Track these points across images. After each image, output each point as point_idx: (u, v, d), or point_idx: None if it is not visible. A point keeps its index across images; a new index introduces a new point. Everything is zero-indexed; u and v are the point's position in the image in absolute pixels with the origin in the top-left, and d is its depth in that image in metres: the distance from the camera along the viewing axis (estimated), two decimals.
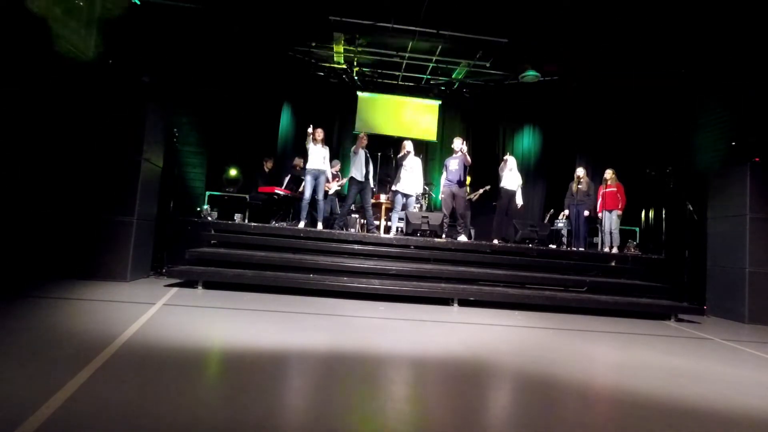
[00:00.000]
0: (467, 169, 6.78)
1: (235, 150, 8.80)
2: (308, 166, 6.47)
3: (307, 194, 6.43)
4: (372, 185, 6.96)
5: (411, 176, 6.79)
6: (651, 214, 8.36)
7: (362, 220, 7.82)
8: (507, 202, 7.10)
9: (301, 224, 6.42)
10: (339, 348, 2.89)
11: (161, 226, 5.75)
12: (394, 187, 6.91)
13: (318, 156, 6.49)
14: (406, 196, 6.79)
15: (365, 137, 6.82)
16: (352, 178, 6.71)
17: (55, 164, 4.93)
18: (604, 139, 9.19)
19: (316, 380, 2.32)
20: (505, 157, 7.28)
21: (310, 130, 6.44)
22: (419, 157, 7.26)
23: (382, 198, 8.22)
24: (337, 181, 8.05)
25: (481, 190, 8.72)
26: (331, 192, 7.88)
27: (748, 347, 4.01)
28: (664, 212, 7.57)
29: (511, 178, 7.13)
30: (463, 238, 6.54)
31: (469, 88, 10.43)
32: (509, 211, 7.14)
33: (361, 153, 6.62)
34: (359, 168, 6.62)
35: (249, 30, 7.93)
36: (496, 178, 7.35)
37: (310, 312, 3.98)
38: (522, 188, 7.28)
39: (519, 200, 7.12)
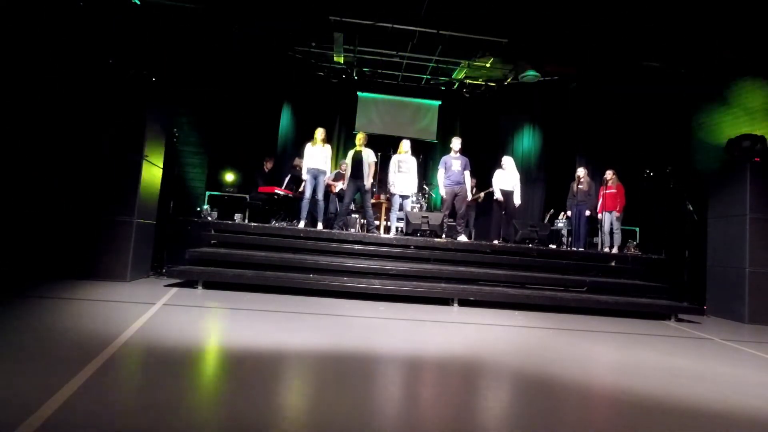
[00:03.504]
0: (469, 169, 6.78)
1: (235, 150, 8.80)
2: (308, 165, 6.47)
3: (308, 194, 6.43)
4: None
5: (406, 177, 6.78)
6: (651, 214, 8.35)
7: (362, 220, 7.82)
8: (504, 201, 7.09)
9: (301, 224, 6.42)
10: (339, 348, 2.89)
11: (161, 226, 5.75)
12: (390, 189, 6.90)
13: (318, 156, 6.48)
14: (402, 197, 6.79)
15: (360, 137, 6.83)
16: (350, 178, 6.71)
17: (56, 164, 4.93)
18: (604, 140, 9.19)
19: (316, 380, 2.32)
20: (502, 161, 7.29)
21: (319, 135, 6.51)
22: (419, 157, 7.25)
23: (382, 198, 8.22)
24: (344, 182, 8.05)
25: (482, 194, 8.74)
26: (336, 191, 7.88)
27: (748, 347, 4.01)
28: (664, 212, 7.57)
29: (506, 178, 7.12)
30: (463, 238, 6.54)
31: (469, 88, 10.44)
32: (507, 210, 7.13)
33: (353, 153, 6.63)
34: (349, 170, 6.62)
35: (249, 30, 7.94)
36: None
37: (310, 312, 3.98)
38: (522, 187, 7.23)
39: (517, 199, 7.08)
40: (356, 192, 6.72)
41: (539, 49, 8.08)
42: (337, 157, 9.87)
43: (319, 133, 6.55)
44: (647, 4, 6.25)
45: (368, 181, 6.52)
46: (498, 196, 7.13)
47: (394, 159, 6.86)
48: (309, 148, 6.54)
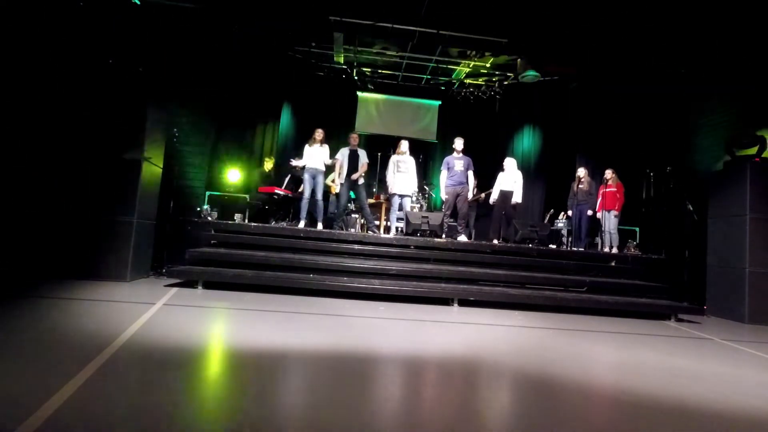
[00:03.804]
0: (473, 168, 6.81)
1: (235, 150, 8.81)
2: (306, 165, 6.48)
3: (307, 194, 6.45)
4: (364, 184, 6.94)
5: (405, 177, 6.78)
6: (651, 214, 8.35)
7: (362, 220, 7.82)
8: (502, 201, 7.11)
9: (301, 224, 6.42)
10: (339, 348, 2.89)
11: (161, 226, 5.75)
12: (390, 189, 6.87)
13: (317, 156, 6.50)
14: (401, 196, 6.79)
15: (356, 137, 6.85)
16: (346, 177, 6.67)
17: (56, 164, 4.92)
18: (604, 139, 9.19)
19: (316, 380, 2.32)
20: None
21: (318, 135, 6.57)
22: (418, 157, 7.25)
23: (382, 198, 8.21)
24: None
25: (482, 194, 8.74)
26: (336, 191, 7.87)
27: (748, 347, 4.01)
28: (664, 212, 7.57)
29: (506, 179, 7.14)
30: (463, 238, 6.54)
31: (469, 88, 10.44)
32: (506, 210, 7.14)
33: (346, 153, 6.63)
34: (344, 170, 6.63)
35: (249, 30, 7.93)
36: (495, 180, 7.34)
37: (310, 312, 3.98)
38: (522, 186, 7.23)
39: (516, 198, 7.05)
40: (349, 190, 6.74)
41: (539, 49, 8.08)
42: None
43: (318, 133, 6.59)
44: (647, 4, 6.25)
45: (361, 178, 6.65)
46: (493, 198, 7.17)
47: (393, 159, 6.86)
48: (307, 148, 6.58)
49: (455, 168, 6.69)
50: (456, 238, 6.45)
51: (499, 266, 5.79)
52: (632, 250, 7.20)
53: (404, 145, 6.89)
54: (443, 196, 6.86)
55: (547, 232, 7.24)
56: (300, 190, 7.17)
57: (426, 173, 10.36)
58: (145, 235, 5.34)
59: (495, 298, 5.08)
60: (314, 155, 6.50)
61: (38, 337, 2.59)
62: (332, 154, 6.71)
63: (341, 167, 6.63)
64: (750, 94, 6.58)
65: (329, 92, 10.33)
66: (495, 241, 6.92)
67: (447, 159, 6.84)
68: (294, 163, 7.08)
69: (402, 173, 6.76)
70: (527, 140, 10.65)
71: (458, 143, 6.78)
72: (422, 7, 6.94)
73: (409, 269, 5.38)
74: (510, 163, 7.25)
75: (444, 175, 6.79)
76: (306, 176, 6.46)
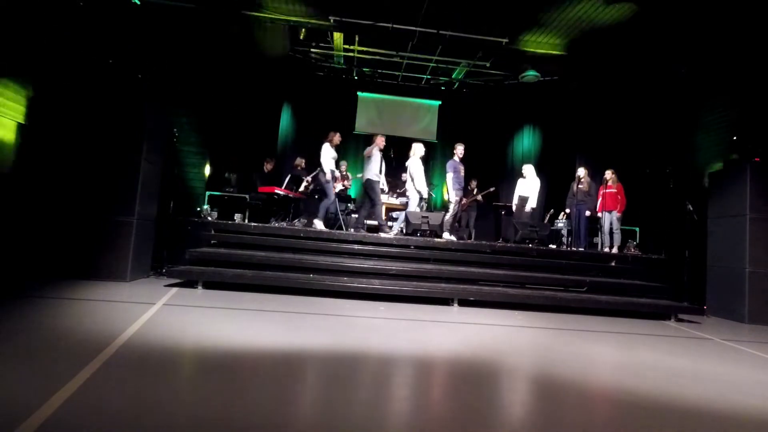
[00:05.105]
0: None
1: (235, 150, 8.80)
2: (332, 167, 6.45)
3: (332, 196, 6.49)
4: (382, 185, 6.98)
5: (423, 179, 6.81)
6: (651, 214, 8.34)
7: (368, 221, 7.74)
8: (521, 206, 7.51)
9: (321, 225, 6.33)
10: (339, 348, 2.89)
11: (161, 226, 5.75)
12: (425, 192, 6.79)
13: (333, 158, 6.53)
14: (423, 198, 6.83)
15: (383, 138, 6.74)
16: (368, 180, 6.47)
17: (55, 164, 4.92)
18: (604, 139, 9.18)
19: (317, 381, 2.32)
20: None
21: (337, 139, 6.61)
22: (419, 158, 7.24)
23: (384, 198, 8.20)
24: (343, 183, 8.04)
25: (479, 196, 8.75)
26: (336, 191, 7.86)
27: (748, 347, 4.01)
28: (664, 212, 7.57)
29: (524, 184, 7.51)
30: (449, 236, 6.56)
31: (469, 88, 10.44)
32: (517, 213, 7.50)
33: (378, 154, 6.60)
34: (375, 169, 6.54)
35: (249, 30, 7.93)
36: (497, 179, 7.45)
37: (310, 312, 3.98)
38: (537, 192, 7.54)
39: (532, 203, 7.40)
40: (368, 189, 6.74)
41: (539, 49, 8.07)
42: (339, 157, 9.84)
43: (338, 137, 6.61)
44: (647, 3, 6.24)
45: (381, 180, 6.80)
46: (515, 203, 7.56)
47: (420, 163, 6.77)
48: (330, 149, 6.45)
49: (461, 173, 6.86)
50: (449, 235, 6.47)
51: (499, 266, 5.80)
52: (632, 250, 7.20)
53: (421, 149, 6.85)
54: (456, 196, 6.87)
55: (547, 232, 7.29)
56: (301, 189, 7.17)
57: (427, 173, 10.36)
58: (145, 235, 5.33)
59: (495, 298, 5.08)
60: (333, 158, 6.50)
61: (39, 337, 2.59)
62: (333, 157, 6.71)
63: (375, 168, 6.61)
64: (749, 93, 6.58)
65: (329, 92, 10.33)
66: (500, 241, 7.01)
67: (453, 163, 6.89)
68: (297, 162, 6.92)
69: (423, 176, 6.81)
70: (527, 140, 10.65)
71: (461, 150, 6.88)
72: (422, 7, 6.94)
73: (409, 269, 5.38)
74: (528, 171, 7.52)
75: (451, 177, 6.85)
76: (331, 178, 6.41)
